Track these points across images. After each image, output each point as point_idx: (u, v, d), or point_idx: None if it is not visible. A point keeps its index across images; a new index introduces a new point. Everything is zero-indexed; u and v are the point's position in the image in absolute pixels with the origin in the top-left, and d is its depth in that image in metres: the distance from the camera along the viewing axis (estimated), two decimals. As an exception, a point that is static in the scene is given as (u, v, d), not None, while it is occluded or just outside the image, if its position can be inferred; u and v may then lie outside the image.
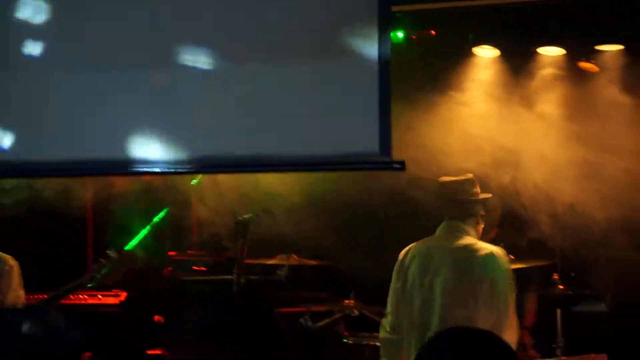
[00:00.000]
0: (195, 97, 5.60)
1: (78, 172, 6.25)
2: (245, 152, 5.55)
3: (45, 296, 7.54)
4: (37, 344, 3.15)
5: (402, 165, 5.45)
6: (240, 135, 5.58)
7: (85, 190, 8.64)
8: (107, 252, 6.14)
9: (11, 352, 3.08)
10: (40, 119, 5.80)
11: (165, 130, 5.69)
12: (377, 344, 7.55)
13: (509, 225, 7.59)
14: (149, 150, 5.68)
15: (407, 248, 6.05)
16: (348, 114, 5.43)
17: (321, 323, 7.39)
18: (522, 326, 7.37)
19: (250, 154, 5.56)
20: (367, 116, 5.37)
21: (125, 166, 5.80)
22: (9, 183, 7.76)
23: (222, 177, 7.67)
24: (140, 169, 5.86)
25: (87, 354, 7.43)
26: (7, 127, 5.81)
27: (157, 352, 8.08)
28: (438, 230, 6.05)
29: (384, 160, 5.41)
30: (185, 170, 5.97)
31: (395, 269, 6.05)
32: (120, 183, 8.23)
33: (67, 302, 8.01)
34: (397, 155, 6.40)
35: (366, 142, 5.39)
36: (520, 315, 7.45)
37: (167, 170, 5.88)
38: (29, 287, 8.05)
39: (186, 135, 5.67)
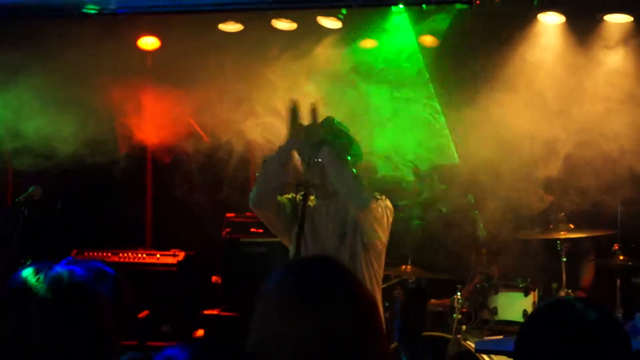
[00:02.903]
0: None
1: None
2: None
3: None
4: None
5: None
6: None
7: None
8: None
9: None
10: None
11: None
12: (436, 309, 7.62)
13: (570, 194, 7.52)
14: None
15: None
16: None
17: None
18: (579, 287, 7.36)
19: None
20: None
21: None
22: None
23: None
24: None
25: (145, 312, 7.54)
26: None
27: (214, 312, 8.13)
28: None
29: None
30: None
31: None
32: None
33: (126, 260, 8.14)
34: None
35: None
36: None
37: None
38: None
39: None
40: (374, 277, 5.70)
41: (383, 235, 5.70)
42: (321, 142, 5.63)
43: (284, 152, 5.66)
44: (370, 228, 5.64)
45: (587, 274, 7.67)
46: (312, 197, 5.80)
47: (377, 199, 5.69)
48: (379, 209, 5.66)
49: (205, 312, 8.11)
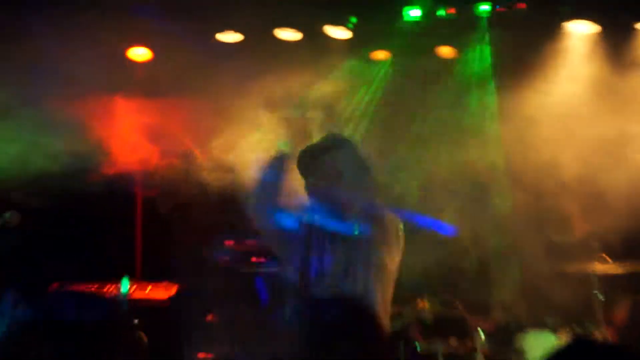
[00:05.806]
0: None
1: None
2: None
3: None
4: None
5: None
6: None
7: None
8: None
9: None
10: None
11: None
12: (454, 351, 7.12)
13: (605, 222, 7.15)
14: None
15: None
16: None
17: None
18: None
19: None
20: None
21: None
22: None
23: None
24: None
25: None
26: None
27: (209, 356, 7.59)
28: None
29: None
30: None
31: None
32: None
33: (114, 294, 7.67)
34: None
35: None
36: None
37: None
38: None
39: None
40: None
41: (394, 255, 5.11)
42: None
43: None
44: None
45: (621, 310, 7.21)
46: None
47: None
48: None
49: (200, 354, 7.55)
